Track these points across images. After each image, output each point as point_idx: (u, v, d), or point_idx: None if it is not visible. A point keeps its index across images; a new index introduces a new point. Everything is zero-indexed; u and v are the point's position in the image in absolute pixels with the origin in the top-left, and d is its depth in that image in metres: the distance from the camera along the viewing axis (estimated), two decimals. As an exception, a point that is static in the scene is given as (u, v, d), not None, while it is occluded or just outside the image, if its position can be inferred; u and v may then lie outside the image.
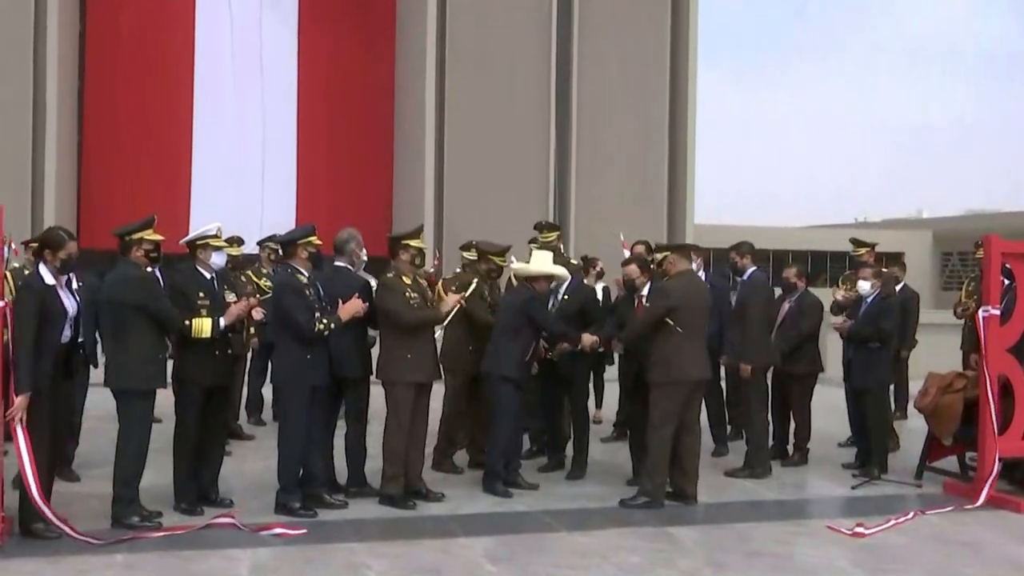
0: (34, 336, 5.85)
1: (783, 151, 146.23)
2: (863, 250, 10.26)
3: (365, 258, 7.66)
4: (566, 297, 8.33)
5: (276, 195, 28.13)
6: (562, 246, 9.86)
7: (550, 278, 7.90)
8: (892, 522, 6.88)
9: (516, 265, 8.36)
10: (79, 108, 27.48)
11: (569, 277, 8.30)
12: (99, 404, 7.59)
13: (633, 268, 7.96)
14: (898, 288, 10.43)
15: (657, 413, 7.28)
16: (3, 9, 24.92)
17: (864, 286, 8.71)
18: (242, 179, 28.19)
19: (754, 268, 8.79)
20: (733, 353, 8.63)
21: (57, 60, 25.38)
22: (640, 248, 9.51)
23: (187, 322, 6.47)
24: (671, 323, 7.21)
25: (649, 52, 30.23)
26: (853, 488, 8.06)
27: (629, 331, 7.63)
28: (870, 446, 8.60)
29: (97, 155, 27.55)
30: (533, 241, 9.79)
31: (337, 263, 7.42)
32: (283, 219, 24.91)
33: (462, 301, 7.61)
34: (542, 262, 7.95)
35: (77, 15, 27.19)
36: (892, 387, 9.64)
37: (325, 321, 6.74)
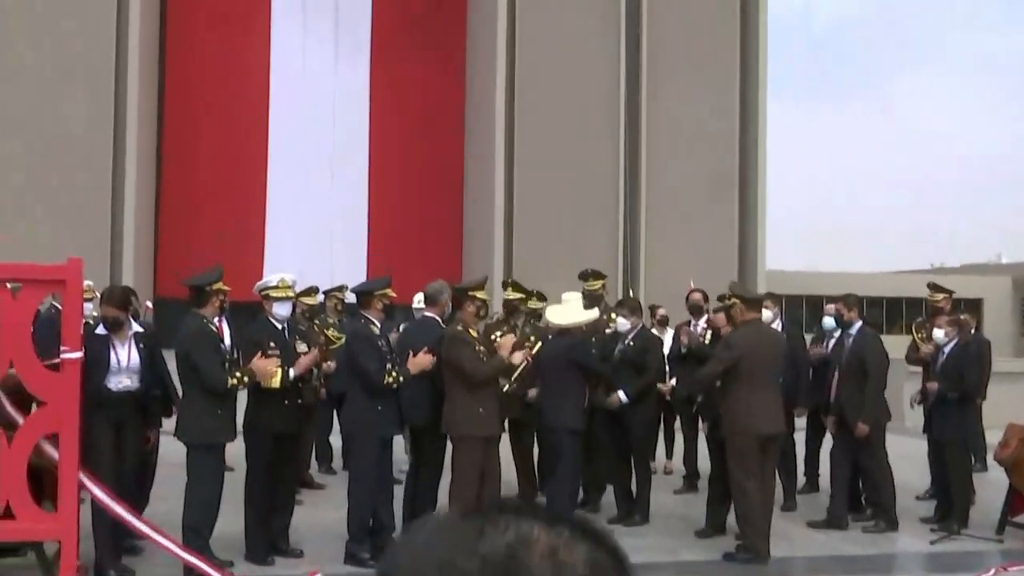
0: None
1: (856, 193, 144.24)
2: (940, 296, 9.99)
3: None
4: (630, 344, 8.32)
5: (347, 244, 28.51)
6: (607, 294, 9.79)
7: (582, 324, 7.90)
8: (974, 580, 6.68)
9: (550, 318, 8.20)
10: (157, 161, 28.24)
11: (596, 315, 8.27)
12: (177, 451, 7.68)
13: (720, 317, 8.01)
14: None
15: (734, 468, 7.22)
16: (86, 65, 25.77)
17: (939, 335, 8.53)
18: (314, 229, 28.65)
19: (861, 322, 8.53)
20: (852, 411, 8.24)
21: (137, 112, 26.13)
22: (697, 296, 9.50)
23: (235, 378, 6.44)
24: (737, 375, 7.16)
25: (718, 90, 30.15)
26: (932, 543, 7.84)
27: (695, 382, 7.59)
28: (950, 499, 8.36)
29: (174, 207, 28.22)
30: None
31: (427, 314, 7.48)
32: (354, 269, 25.24)
33: (529, 358, 7.56)
34: (572, 312, 7.93)
35: (156, 69, 28.03)
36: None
37: (395, 373, 6.77)
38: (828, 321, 9.24)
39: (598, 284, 9.54)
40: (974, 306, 38.84)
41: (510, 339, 7.50)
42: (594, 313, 8.14)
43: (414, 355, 6.97)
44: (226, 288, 6.67)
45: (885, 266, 53.72)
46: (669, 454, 10.56)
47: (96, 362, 6.28)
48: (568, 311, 7.94)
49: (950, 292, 10.13)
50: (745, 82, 30.82)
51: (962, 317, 9.95)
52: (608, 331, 8.75)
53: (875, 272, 49.07)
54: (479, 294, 7.50)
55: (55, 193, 25.39)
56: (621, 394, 8.12)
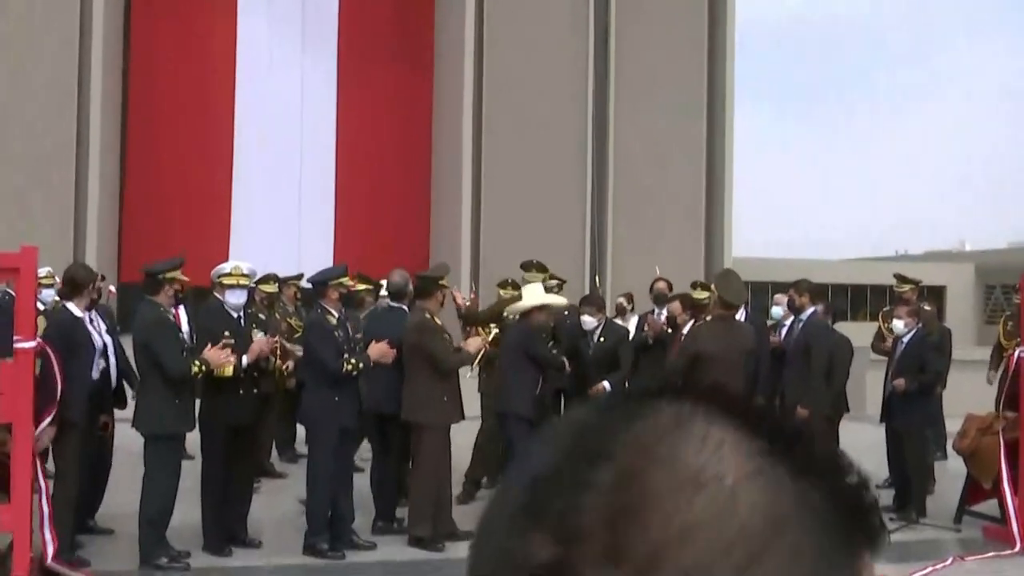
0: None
1: (823, 184, 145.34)
2: (907, 287, 10.04)
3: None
4: (601, 339, 8.34)
5: (314, 234, 28.35)
6: (555, 289, 9.72)
7: (545, 308, 7.79)
8: (929, 568, 6.72)
9: (518, 305, 8.12)
10: (122, 148, 27.93)
11: (564, 303, 8.23)
12: (134, 440, 7.60)
13: (676, 306, 8.02)
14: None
15: None
16: (49, 54, 25.44)
17: (898, 325, 8.56)
18: (281, 218, 28.47)
19: (813, 308, 8.54)
20: (792, 395, 8.28)
21: (100, 101, 25.84)
22: (661, 284, 9.52)
23: (195, 365, 6.36)
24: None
25: (685, 88, 30.24)
26: (890, 532, 7.89)
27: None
28: (908, 488, 8.42)
29: (139, 194, 27.95)
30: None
31: (393, 304, 7.45)
32: (320, 258, 25.09)
33: (486, 345, 7.58)
34: (533, 294, 7.90)
35: (120, 58, 27.70)
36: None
37: (353, 361, 6.72)
38: (776, 311, 9.30)
39: (539, 278, 9.31)
40: (937, 293, 39.21)
41: (476, 342, 7.63)
42: (558, 299, 8.06)
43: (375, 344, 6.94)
44: (183, 278, 6.58)
45: (850, 253, 54.10)
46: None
47: (81, 345, 6.20)
48: (528, 293, 7.92)
49: (916, 282, 10.17)
50: (713, 76, 30.92)
51: (924, 307, 10.04)
52: (567, 321, 8.73)
53: (840, 259, 49.42)
54: (444, 282, 7.52)
55: (17, 178, 25.06)
56: (606, 384, 8.12)
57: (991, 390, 10.80)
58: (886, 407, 8.75)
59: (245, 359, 6.61)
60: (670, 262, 17.98)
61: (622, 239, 28.92)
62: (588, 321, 8.54)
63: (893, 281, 10.43)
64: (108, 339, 6.57)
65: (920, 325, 8.67)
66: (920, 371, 8.33)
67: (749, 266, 33.18)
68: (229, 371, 6.51)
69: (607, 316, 8.75)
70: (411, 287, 7.54)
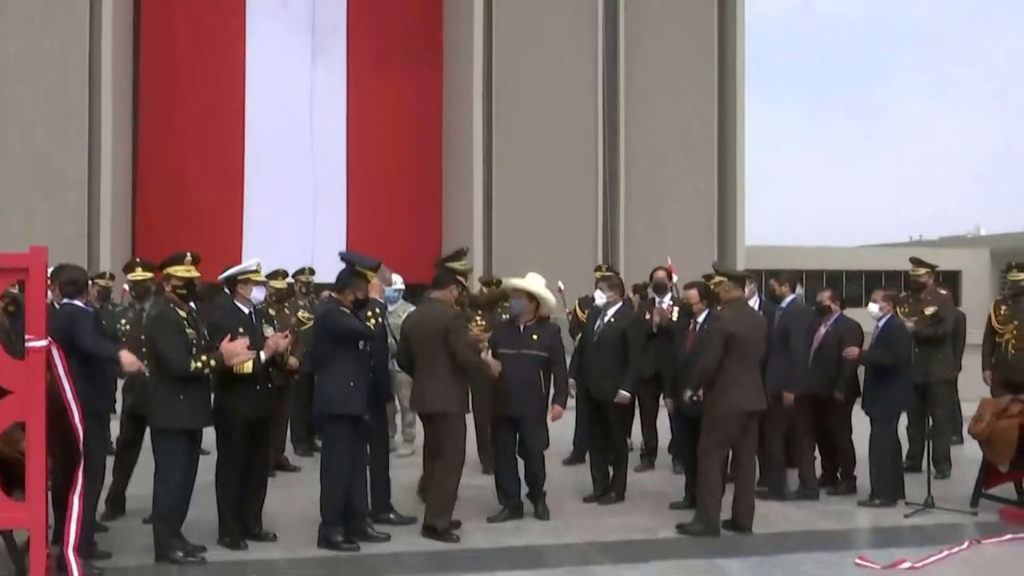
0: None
1: (838, 170, 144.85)
2: (923, 271, 9.97)
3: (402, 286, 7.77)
4: (611, 320, 8.32)
5: (327, 228, 28.38)
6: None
7: (532, 298, 7.72)
8: (947, 552, 6.70)
9: (513, 280, 8.10)
10: (133, 144, 28.01)
11: (554, 306, 8.05)
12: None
13: (693, 293, 8.01)
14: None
15: (709, 441, 7.27)
16: (59, 43, 25.51)
17: (873, 309, 8.51)
18: (293, 212, 28.51)
19: (793, 296, 8.77)
20: (775, 380, 8.31)
21: (112, 95, 25.90)
22: (661, 274, 9.54)
23: (200, 362, 6.34)
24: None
25: (696, 76, 30.14)
26: (907, 516, 7.87)
27: (701, 375, 7.45)
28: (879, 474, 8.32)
29: (151, 190, 28.03)
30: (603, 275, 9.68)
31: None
32: (334, 251, 25.08)
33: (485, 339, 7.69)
34: (535, 281, 7.85)
35: (130, 54, 27.76)
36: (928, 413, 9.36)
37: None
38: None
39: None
40: (952, 279, 39.02)
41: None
42: (551, 298, 7.98)
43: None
44: (184, 274, 6.55)
45: (865, 239, 53.86)
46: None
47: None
48: (530, 278, 7.88)
49: (932, 267, 10.07)
50: (724, 64, 30.78)
51: (940, 291, 9.96)
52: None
53: (855, 246, 49.20)
54: (462, 267, 7.68)
55: (28, 178, 25.15)
56: (624, 392, 8.14)
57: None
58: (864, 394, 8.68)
59: (263, 355, 6.63)
60: (682, 252, 17.94)
61: (634, 230, 28.86)
62: (600, 296, 8.57)
63: (908, 267, 10.34)
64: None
65: (894, 311, 8.60)
66: (893, 356, 8.25)
67: (762, 254, 33.08)
68: (249, 367, 6.53)
69: (625, 299, 8.75)
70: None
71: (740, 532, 7.28)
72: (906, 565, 6.42)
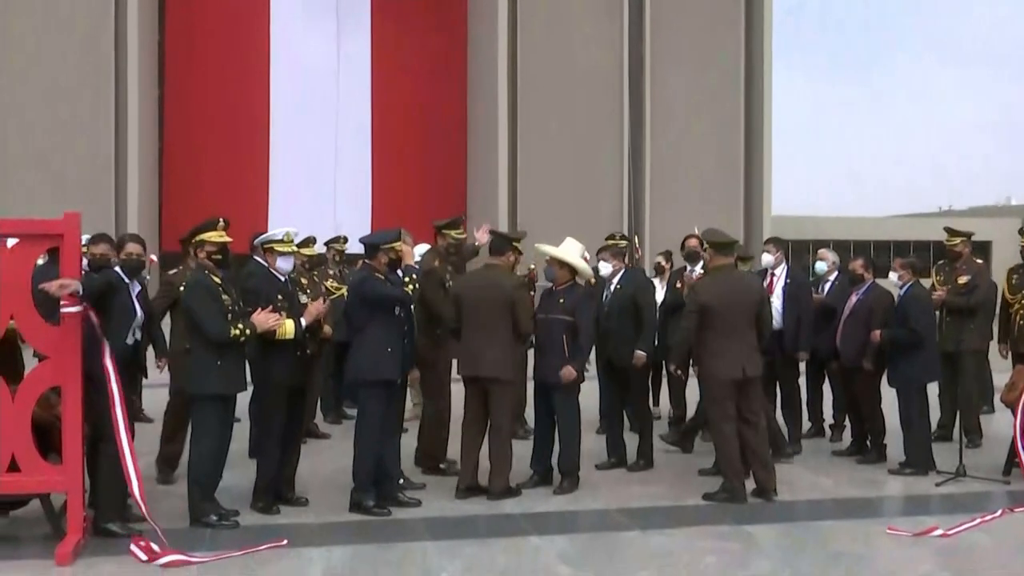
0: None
1: (867, 141, 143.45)
2: (957, 240, 9.75)
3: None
4: (619, 286, 8.32)
5: (350, 197, 28.44)
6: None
7: (569, 268, 7.72)
8: (979, 520, 6.67)
9: (545, 247, 8.06)
10: (159, 117, 28.11)
11: (589, 275, 8.11)
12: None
13: (694, 241, 8.07)
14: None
15: (712, 413, 7.40)
16: (85, 24, 25.59)
17: (893, 278, 8.44)
18: (318, 182, 28.55)
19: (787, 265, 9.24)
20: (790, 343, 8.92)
21: (138, 70, 25.99)
22: (693, 242, 9.47)
23: (238, 329, 6.39)
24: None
25: (722, 46, 29.88)
26: (938, 485, 7.83)
27: (677, 349, 7.58)
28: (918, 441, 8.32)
29: (177, 163, 28.15)
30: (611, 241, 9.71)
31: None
32: (358, 220, 25.16)
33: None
34: (568, 250, 7.82)
35: (156, 27, 27.81)
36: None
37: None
38: (820, 266, 9.40)
39: (454, 232, 8.79)
40: (983, 249, 38.63)
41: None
42: (587, 268, 7.97)
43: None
44: (217, 239, 6.57)
45: (895, 210, 53.43)
46: (656, 400, 10.50)
47: (124, 311, 6.28)
48: (565, 246, 7.85)
49: (967, 235, 9.84)
50: (751, 31, 30.49)
51: (976, 260, 9.82)
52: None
53: (884, 216, 48.78)
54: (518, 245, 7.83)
55: (57, 149, 25.30)
56: (639, 352, 8.18)
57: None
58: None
59: (304, 321, 6.68)
60: (709, 221, 17.83)
61: (660, 199, 28.74)
62: (604, 267, 8.55)
63: (938, 236, 10.19)
64: (140, 312, 6.59)
65: (915, 279, 8.48)
66: (910, 330, 8.19)
67: (790, 224, 32.89)
68: (291, 333, 6.58)
69: (629, 265, 8.77)
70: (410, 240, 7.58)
71: (764, 496, 7.28)
72: (937, 533, 6.39)
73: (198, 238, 6.59)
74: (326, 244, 10.84)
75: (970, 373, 9.32)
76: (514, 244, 7.72)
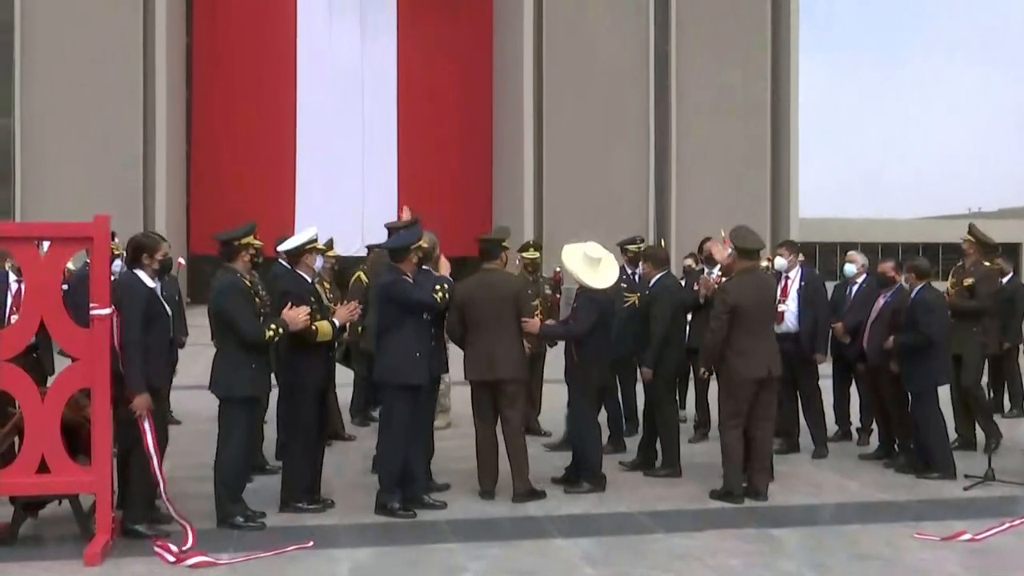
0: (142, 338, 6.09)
1: (894, 142, 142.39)
2: (968, 239, 9.66)
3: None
4: (646, 292, 8.40)
5: (377, 200, 28.53)
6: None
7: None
8: (1007, 524, 6.62)
9: (565, 258, 7.82)
10: (187, 120, 28.31)
11: (583, 281, 8.03)
12: (210, 407, 7.75)
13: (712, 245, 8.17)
14: (1005, 280, 10.17)
15: (725, 411, 7.44)
16: (113, 28, 25.81)
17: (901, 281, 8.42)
18: (344, 185, 28.68)
19: (800, 266, 9.18)
20: (807, 343, 8.95)
21: (166, 74, 26.19)
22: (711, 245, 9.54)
23: (271, 330, 6.43)
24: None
25: (749, 47, 29.77)
26: (966, 489, 7.77)
27: (708, 350, 7.54)
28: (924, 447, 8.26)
29: (205, 165, 28.34)
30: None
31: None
32: (385, 219, 25.24)
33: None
34: (570, 258, 7.66)
35: (184, 30, 28.04)
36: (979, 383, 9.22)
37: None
38: (849, 268, 9.33)
39: (536, 254, 9.81)
40: (1012, 250, 38.26)
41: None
42: (582, 277, 7.86)
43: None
44: (257, 243, 6.70)
45: (922, 211, 53.05)
46: (683, 404, 10.43)
47: (159, 316, 6.33)
48: (603, 273, 7.74)
49: (983, 241, 9.67)
50: (777, 30, 30.35)
51: (998, 262, 9.77)
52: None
53: (911, 218, 48.44)
54: (506, 245, 7.67)
55: (85, 151, 25.53)
56: (646, 371, 8.26)
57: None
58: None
59: (337, 322, 6.75)
60: (735, 222, 17.74)
61: (685, 200, 28.67)
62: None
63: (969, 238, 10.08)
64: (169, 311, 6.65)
65: (925, 283, 8.40)
66: (917, 334, 8.14)
67: (815, 226, 32.70)
68: (329, 334, 6.66)
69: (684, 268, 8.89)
70: (438, 250, 7.56)
71: (757, 498, 7.28)
72: (965, 537, 6.34)
73: (244, 240, 6.65)
74: (368, 248, 10.88)
75: (972, 377, 9.16)
76: (504, 246, 7.62)
